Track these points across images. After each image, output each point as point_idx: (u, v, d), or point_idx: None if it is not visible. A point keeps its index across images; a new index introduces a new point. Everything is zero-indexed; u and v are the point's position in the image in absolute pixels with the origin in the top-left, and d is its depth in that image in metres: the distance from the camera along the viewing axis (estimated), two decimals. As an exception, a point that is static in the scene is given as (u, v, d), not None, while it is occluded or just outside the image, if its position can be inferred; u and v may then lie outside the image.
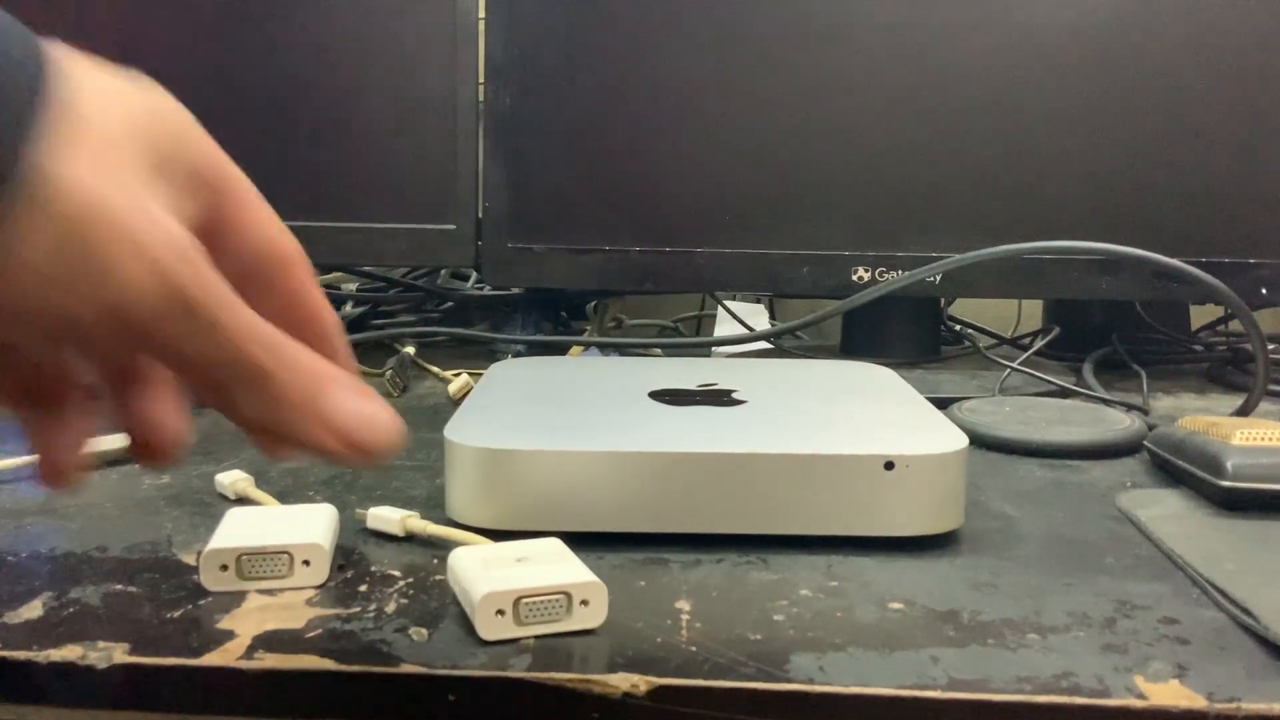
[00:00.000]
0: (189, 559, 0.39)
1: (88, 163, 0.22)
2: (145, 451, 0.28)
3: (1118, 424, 0.57)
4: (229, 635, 0.33)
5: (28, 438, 0.28)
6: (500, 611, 0.33)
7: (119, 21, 0.74)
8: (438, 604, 0.36)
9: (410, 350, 0.75)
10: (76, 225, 0.22)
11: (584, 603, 0.33)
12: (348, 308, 0.90)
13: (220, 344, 0.24)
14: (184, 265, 0.23)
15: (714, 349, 0.83)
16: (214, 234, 0.26)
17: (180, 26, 0.75)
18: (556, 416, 0.45)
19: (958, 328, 0.91)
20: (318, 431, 0.26)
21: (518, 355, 0.78)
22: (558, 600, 0.33)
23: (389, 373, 0.69)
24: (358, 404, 0.26)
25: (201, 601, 0.36)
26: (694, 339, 0.88)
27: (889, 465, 0.40)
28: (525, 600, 0.33)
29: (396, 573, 0.38)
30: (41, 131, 0.22)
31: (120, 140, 0.23)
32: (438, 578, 0.38)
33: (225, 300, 0.24)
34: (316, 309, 0.29)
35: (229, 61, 0.75)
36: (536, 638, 0.33)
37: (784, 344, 0.89)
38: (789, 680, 0.31)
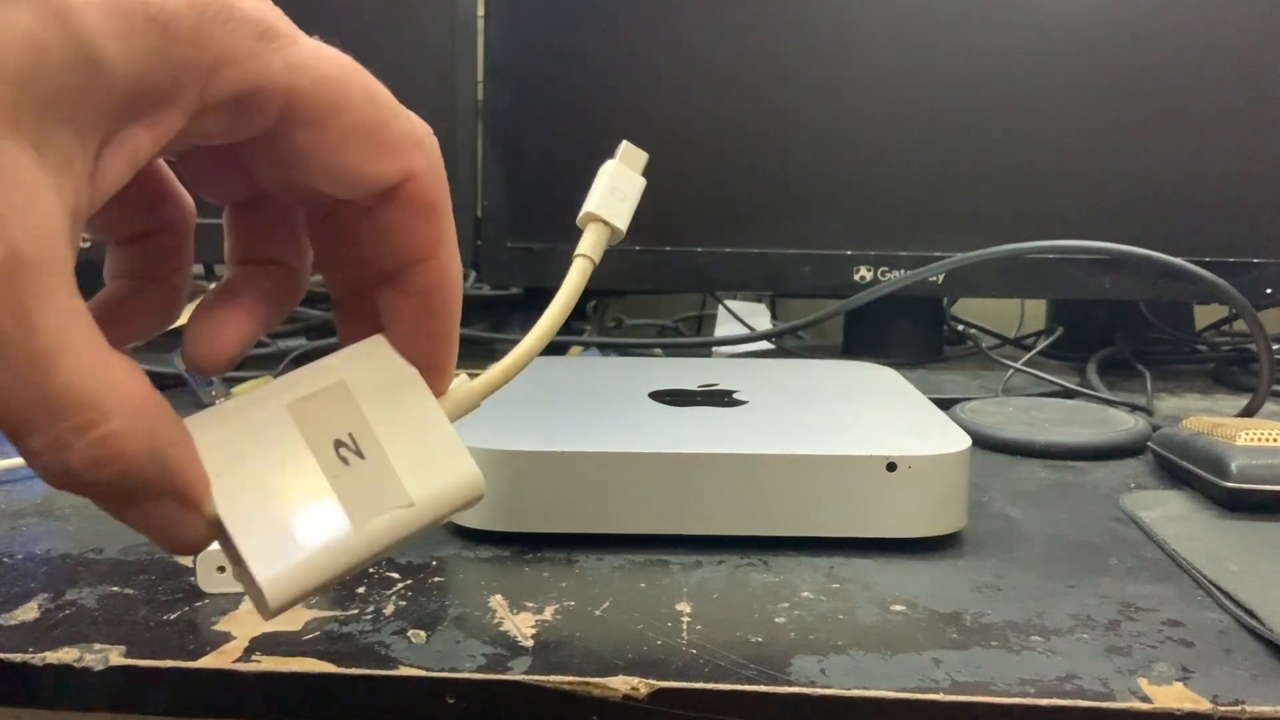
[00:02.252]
0: (185, 561, 0.39)
1: None
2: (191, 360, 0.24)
3: (1122, 425, 0.57)
4: (226, 638, 0.33)
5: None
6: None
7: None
8: (436, 606, 0.35)
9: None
10: None
11: None
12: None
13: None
14: None
15: (715, 349, 0.82)
16: (283, 153, 0.22)
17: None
18: (556, 417, 0.45)
19: (960, 328, 0.90)
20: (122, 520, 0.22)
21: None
22: None
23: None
24: (169, 519, 0.22)
25: (198, 604, 0.35)
26: (694, 339, 0.87)
27: (891, 466, 0.40)
28: None
29: (394, 575, 0.38)
30: None
31: None
32: (436, 579, 0.38)
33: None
34: (427, 260, 0.24)
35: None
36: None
37: (785, 344, 0.89)
38: (790, 683, 0.30)
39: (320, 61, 0.22)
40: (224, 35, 0.20)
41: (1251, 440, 0.46)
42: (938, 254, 0.73)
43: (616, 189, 0.30)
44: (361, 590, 0.36)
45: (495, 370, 0.27)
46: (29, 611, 0.34)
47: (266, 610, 0.22)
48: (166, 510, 0.21)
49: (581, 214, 0.30)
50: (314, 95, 0.21)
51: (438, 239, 0.24)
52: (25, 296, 0.18)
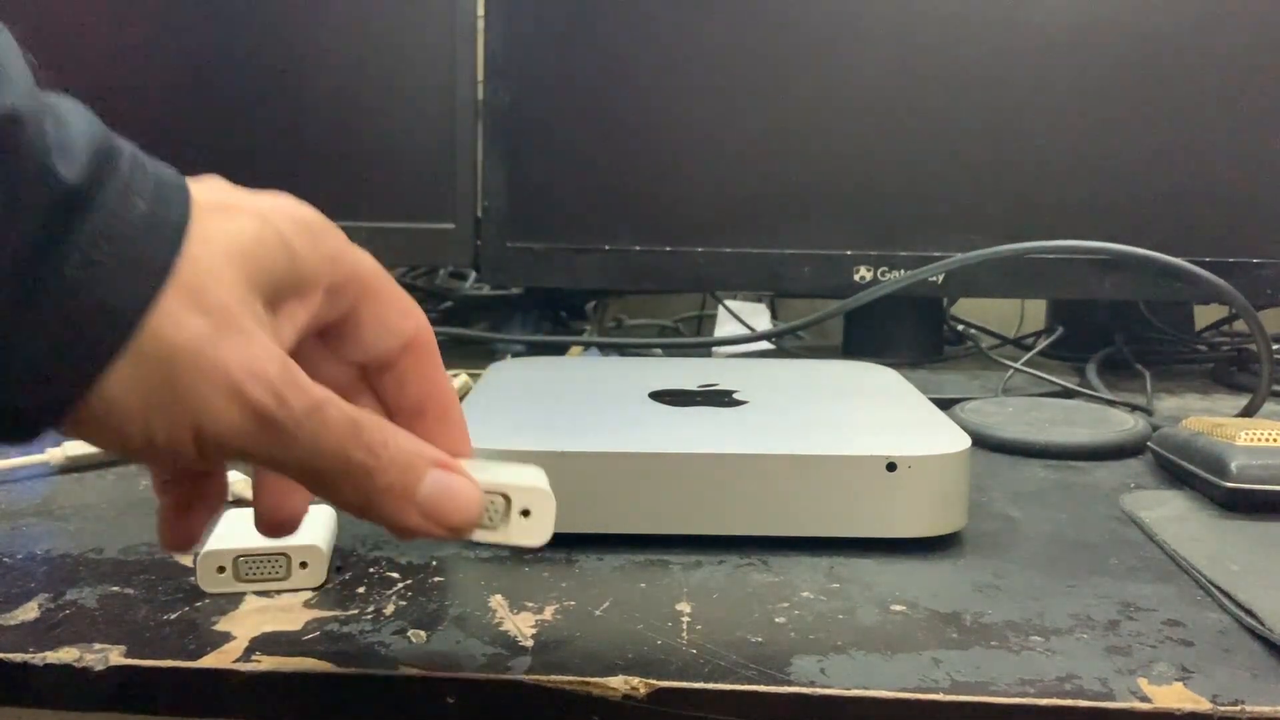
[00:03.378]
0: (185, 561, 0.39)
1: (185, 301, 0.23)
2: (265, 525, 0.31)
3: (1122, 425, 0.57)
4: (226, 638, 0.33)
5: (162, 510, 0.30)
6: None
7: (119, 22, 0.74)
8: (436, 606, 0.35)
9: (410, 350, 0.75)
10: (163, 364, 0.23)
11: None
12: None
13: (315, 450, 0.25)
14: (266, 390, 0.24)
15: (715, 349, 0.82)
16: (352, 323, 0.29)
17: (179, 26, 0.74)
18: (556, 416, 0.45)
19: (960, 328, 0.90)
20: (412, 516, 0.27)
21: (517, 355, 0.78)
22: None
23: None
24: (446, 483, 0.28)
25: (198, 604, 0.35)
26: (694, 339, 0.87)
27: (891, 466, 0.40)
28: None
29: (395, 574, 0.38)
30: (162, 293, 0.23)
31: (222, 269, 0.24)
32: (436, 579, 0.38)
33: (315, 414, 0.25)
34: (439, 388, 0.31)
35: (228, 61, 0.75)
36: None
37: (785, 344, 0.89)
38: (790, 683, 0.30)
39: (369, 256, 0.29)
40: (336, 240, 0.28)
41: (1251, 440, 0.46)
42: (938, 254, 0.73)
43: None
44: (361, 590, 0.36)
45: None
46: (29, 611, 0.34)
47: (552, 514, 0.29)
48: (440, 479, 0.27)
49: None
50: (373, 277, 0.29)
51: (440, 368, 0.31)
52: (324, 401, 0.25)
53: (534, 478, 0.30)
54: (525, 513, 0.29)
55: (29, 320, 0.22)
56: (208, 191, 0.26)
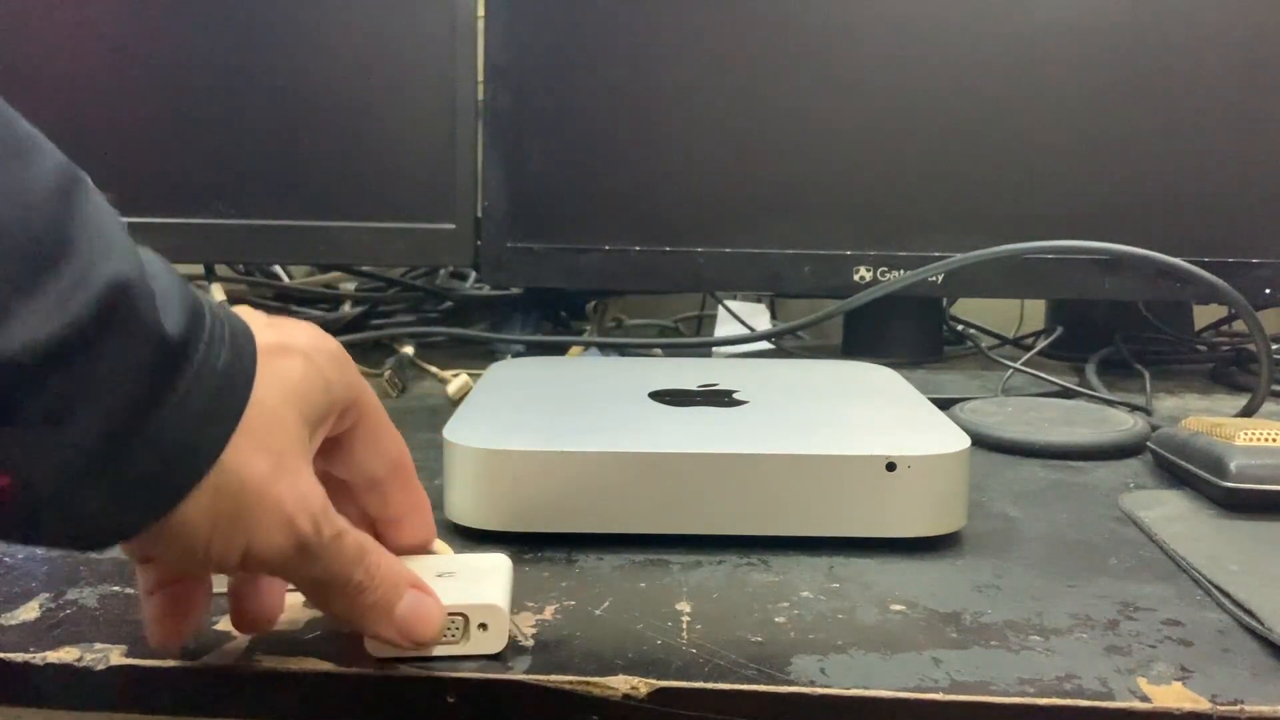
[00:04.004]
0: (187, 560, 0.39)
1: (253, 443, 0.27)
2: (245, 625, 0.33)
3: (1121, 425, 0.57)
4: (227, 637, 0.33)
5: (153, 609, 0.31)
6: None
7: (121, 21, 0.74)
8: (436, 606, 0.35)
9: (409, 350, 0.75)
10: (233, 497, 0.27)
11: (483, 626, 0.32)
12: (346, 307, 0.90)
13: (329, 570, 0.29)
14: (310, 522, 0.28)
15: (714, 349, 0.82)
16: (348, 442, 0.33)
17: (180, 26, 0.74)
18: (556, 417, 0.45)
19: (960, 328, 0.90)
20: (388, 630, 0.31)
21: (517, 355, 0.78)
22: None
23: (388, 373, 0.68)
24: (418, 604, 0.31)
25: (199, 603, 0.35)
26: (694, 339, 0.87)
27: (891, 466, 0.40)
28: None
29: (395, 574, 0.38)
30: (236, 435, 0.27)
31: (282, 412, 0.28)
32: (437, 579, 0.38)
33: (337, 540, 0.29)
34: (417, 498, 0.35)
35: (228, 62, 0.75)
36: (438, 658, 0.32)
37: (785, 344, 0.89)
38: (790, 682, 0.30)
39: (369, 385, 0.33)
40: (351, 368, 0.32)
41: (1250, 440, 0.46)
42: (938, 254, 0.73)
43: None
44: (362, 590, 0.36)
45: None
46: (30, 611, 0.34)
47: (506, 624, 0.32)
48: (414, 600, 0.31)
49: None
50: (369, 405, 0.33)
51: (418, 485, 0.35)
52: (344, 530, 0.29)
53: (492, 589, 0.33)
54: (483, 626, 0.32)
55: (124, 454, 0.25)
56: (263, 331, 0.29)
